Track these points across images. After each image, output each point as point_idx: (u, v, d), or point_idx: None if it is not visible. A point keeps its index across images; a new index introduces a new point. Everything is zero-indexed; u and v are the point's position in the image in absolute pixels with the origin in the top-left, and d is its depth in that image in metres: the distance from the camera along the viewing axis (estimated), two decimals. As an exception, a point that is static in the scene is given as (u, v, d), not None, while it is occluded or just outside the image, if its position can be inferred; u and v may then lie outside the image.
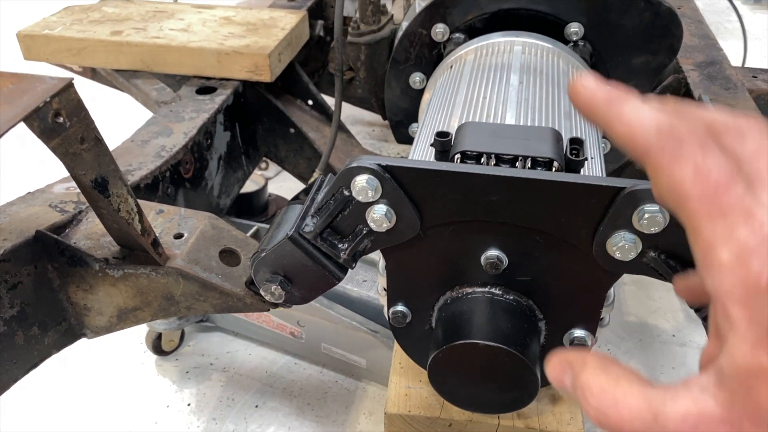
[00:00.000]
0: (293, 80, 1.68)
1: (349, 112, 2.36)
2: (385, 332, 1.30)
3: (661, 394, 0.33)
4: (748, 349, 0.28)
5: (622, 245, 0.68)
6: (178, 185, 1.25)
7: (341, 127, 1.71)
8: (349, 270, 0.82)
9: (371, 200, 0.73)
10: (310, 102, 1.71)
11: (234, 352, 1.53)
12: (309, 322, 1.37)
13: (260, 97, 1.56)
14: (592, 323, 0.82)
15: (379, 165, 0.71)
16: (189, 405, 1.41)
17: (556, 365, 0.42)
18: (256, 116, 1.58)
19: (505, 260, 0.77)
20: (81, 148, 0.66)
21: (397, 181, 0.72)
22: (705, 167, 0.31)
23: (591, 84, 0.38)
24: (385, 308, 0.89)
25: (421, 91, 1.38)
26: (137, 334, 1.53)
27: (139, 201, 1.03)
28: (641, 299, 1.69)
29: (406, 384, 1.00)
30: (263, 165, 2.15)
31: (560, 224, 0.72)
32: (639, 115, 0.35)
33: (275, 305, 0.89)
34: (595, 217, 0.69)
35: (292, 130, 1.62)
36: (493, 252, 0.77)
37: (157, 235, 0.93)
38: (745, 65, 1.90)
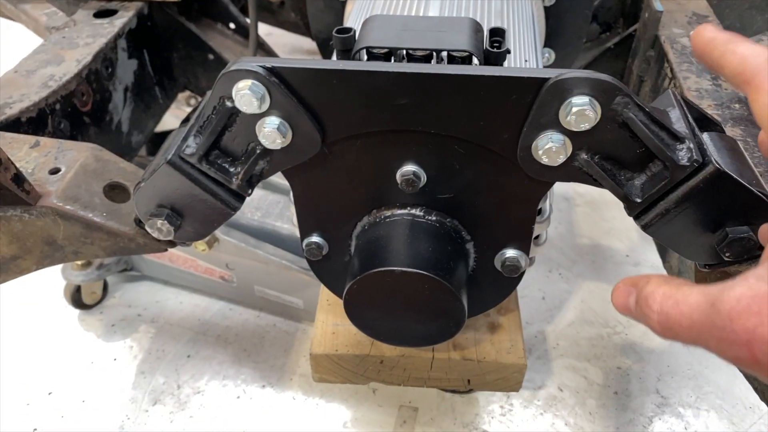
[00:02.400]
0: (211, 1, 1.52)
1: (286, 40, 2.20)
2: (320, 269, 1.21)
3: (719, 287, 0.35)
4: None
5: (549, 147, 0.59)
6: (75, 120, 1.11)
7: (270, 53, 1.57)
8: (253, 200, 0.71)
9: (259, 111, 0.62)
10: (232, 25, 1.55)
11: (163, 301, 1.43)
12: (238, 264, 1.27)
13: (171, 21, 1.40)
14: (525, 242, 0.73)
15: (263, 67, 0.60)
16: (115, 359, 1.31)
17: (621, 290, 0.45)
18: (168, 42, 1.42)
19: (423, 176, 0.67)
20: None
21: (288, 87, 0.61)
22: None
23: (713, 28, 0.49)
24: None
25: (344, 3, 1.25)
26: (56, 287, 1.41)
27: (11, 134, 0.90)
28: (594, 220, 1.62)
29: (333, 321, 0.91)
30: (192, 101, 1.99)
31: (480, 128, 0.62)
32: (752, 49, 0.45)
33: (170, 243, 0.79)
34: (518, 116, 0.59)
35: (211, 57, 1.47)
36: (408, 167, 0.67)
37: (31, 170, 0.81)
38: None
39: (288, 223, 1.25)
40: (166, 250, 0.82)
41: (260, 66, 0.60)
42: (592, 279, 1.44)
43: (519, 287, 0.87)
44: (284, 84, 0.61)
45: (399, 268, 0.66)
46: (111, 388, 1.26)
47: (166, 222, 0.70)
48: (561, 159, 0.59)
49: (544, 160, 0.60)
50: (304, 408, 1.21)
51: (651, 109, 0.58)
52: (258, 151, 0.66)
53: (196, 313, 1.39)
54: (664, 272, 1.00)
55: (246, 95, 0.60)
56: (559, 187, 1.70)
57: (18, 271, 0.85)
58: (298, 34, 2.00)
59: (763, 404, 1.18)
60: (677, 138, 0.58)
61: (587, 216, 1.64)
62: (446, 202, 0.70)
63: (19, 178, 0.73)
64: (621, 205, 0.63)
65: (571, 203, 1.67)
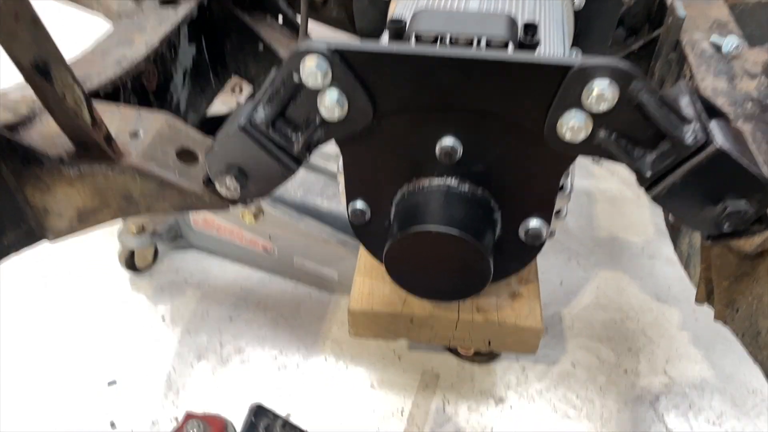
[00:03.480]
0: (262, -6, 1.63)
1: (328, 34, 2.31)
2: (355, 243, 1.31)
3: None
4: None
5: (572, 125, 0.68)
6: (142, 98, 1.22)
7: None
8: (296, 179, 0.81)
9: (321, 86, 0.72)
10: (281, 18, 1.66)
11: (208, 269, 1.54)
12: (280, 236, 1.38)
13: (226, 11, 1.52)
14: (547, 213, 0.82)
15: (328, 47, 0.70)
16: (163, 319, 1.42)
17: None
18: (223, 31, 1.53)
19: (460, 149, 0.77)
20: (16, 26, 0.64)
21: (348, 66, 0.71)
22: None
23: None
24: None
25: (388, 1, 1.35)
26: (112, 252, 1.54)
27: (96, 101, 1.02)
28: (613, 216, 1.70)
29: (370, 283, 1.01)
30: (237, 89, 2.11)
31: (512, 106, 0.71)
32: None
33: (233, 202, 0.89)
34: (546, 97, 0.68)
35: (261, 48, 1.58)
36: (447, 141, 0.76)
37: (114, 133, 0.92)
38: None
39: (327, 201, 1.35)
40: (228, 207, 0.93)
41: (326, 46, 0.70)
42: (609, 268, 1.52)
43: (539, 272, 0.96)
44: (345, 63, 0.71)
45: (435, 228, 0.76)
46: (159, 344, 1.37)
47: (234, 180, 0.81)
48: (582, 136, 0.69)
49: (568, 137, 0.69)
50: (334, 369, 1.32)
51: (663, 94, 0.67)
52: (317, 122, 0.76)
53: (238, 281, 1.50)
54: (676, 267, 1.06)
55: (312, 72, 0.70)
56: (581, 183, 1.79)
57: (96, 222, 0.96)
58: (339, 29, 2.11)
59: (765, 388, 1.25)
60: (684, 120, 0.67)
61: (606, 211, 1.72)
62: (478, 173, 0.80)
63: (109, 138, 0.84)
64: (639, 202, 0.72)
65: (591, 199, 1.75)
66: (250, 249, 1.47)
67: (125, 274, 1.52)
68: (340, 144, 0.82)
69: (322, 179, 1.39)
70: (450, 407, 1.24)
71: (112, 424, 1.22)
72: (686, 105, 0.71)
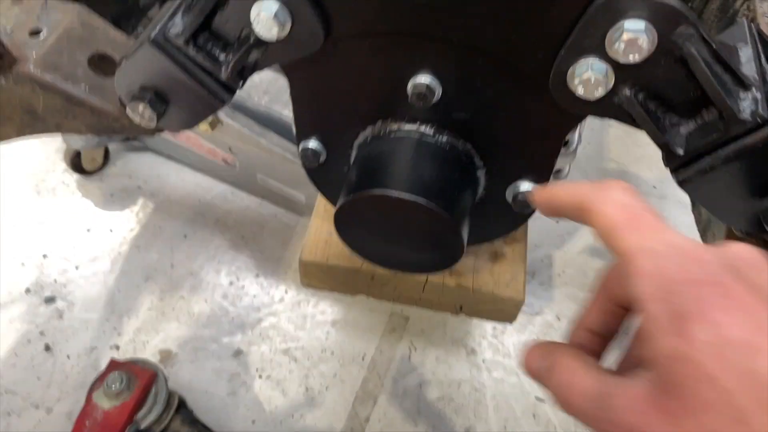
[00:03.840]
0: None
1: None
2: (326, 166, 1.15)
3: (614, 381, 0.36)
4: (669, 339, 0.32)
5: (587, 77, 0.50)
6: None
7: None
8: (261, 83, 0.64)
9: (255, -8, 0.53)
10: None
11: (165, 176, 1.38)
12: (241, 149, 1.21)
13: None
14: (544, 175, 0.65)
15: (263, -61, 0.50)
16: (111, 230, 1.29)
17: (534, 354, 0.44)
18: None
19: (438, 90, 0.59)
20: None
21: (292, -33, 0.52)
22: (627, 203, 0.39)
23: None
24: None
25: None
26: (58, 150, 1.37)
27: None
28: (627, 145, 1.52)
29: (327, 230, 0.86)
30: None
31: (512, 43, 0.53)
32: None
33: (158, 129, 0.72)
34: (558, 34, 0.50)
35: None
36: (422, 78, 0.58)
37: (10, 29, 0.73)
38: None
39: (297, 113, 1.17)
40: (154, 134, 0.76)
41: (260, -63, 0.50)
42: (612, 208, 1.36)
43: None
44: (287, -37, 0.51)
45: (397, 194, 0.59)
46: (104, 258, 1.24)
47: (148, 107, 0.63)
48: (599, 92, 0.51)
49: (580, 91, 0.51)
50: (293, 303, 1.20)
51: (719, 45, 0.48)
52: (251, 40, 0.57)
53: (197, 193, 1.35)
54: (690, 212, 0.91)
55: (240, -29, 0.51)
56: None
57: (-2, 137, 0.79)
58: None
59: None
60: (743, 84, 0.49)
61: (619, 139, 1.54)
62: (461, 122, 0.62)
63: (-10, 38, 0.65)
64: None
65: (604, 122, 1.56)
66: (209, 159, 1.30)
67: (72, 175, 1.37)
68: (286, 71, 0.64)
69: (293, 86, 1.20)
70: (416, 355, 1.13)
71: (47, 347, 1.12)
72: (747, 60, 0.52)
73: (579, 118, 0.59)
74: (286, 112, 1.17)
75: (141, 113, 0.64)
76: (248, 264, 1.25)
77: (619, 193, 0.40)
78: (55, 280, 1.20)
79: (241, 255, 1.26)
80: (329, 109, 0.66)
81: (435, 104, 0.60)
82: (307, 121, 0.69)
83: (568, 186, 0.44)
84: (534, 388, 1.10)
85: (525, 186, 0.66)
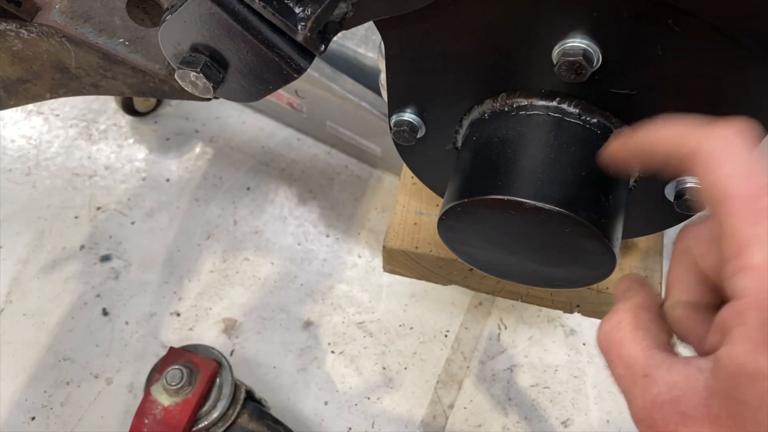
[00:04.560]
0: None
1: None
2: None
3: (662, 358, 0.33)
4: (750, 349, 0.28)
5: None
6: None
7: None
8: (322, 54, 0.48)
9: None
10: None
11: (224, 117, 1.25)
12: (309, 93, 1.05)
13: None
14: (727, 172, 0.48)
15: None
16: (168, 180, 1.17)
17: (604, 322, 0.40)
18: None
19: (598, 57, 0.42)
20: None
21: None
22: (753, 170, 0.31)
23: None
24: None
25: None
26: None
27: None
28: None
29: (416, 209, 0.72)
30: None
31: (732, 4, 0.35)
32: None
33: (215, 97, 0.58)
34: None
35: None
36: (576, 42, 0.41)
37: (29, -33, 0.58)
38: None
39: (373, 52, 1.00)
40: (210, 99, 0.62)
41: None
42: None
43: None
44: None
45: (532, 202, 0.44)
46: (161, 212, 1.14)
47: (202, 75, 0.48)
48: None
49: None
50: (368, 269, 1.07)
51: None
52: (341, -12, 0.42)
53: (260, 138, 1.22)
54: None
55: None
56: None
57: (30, 97, 0.67)
58: None
59: None
60: None
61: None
62: (621, 100, 0.45)
63: (3, -17, 0.51)
64: None
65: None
66: (274, 101, 1.16)
67: (124, 117, 1.25)
68: (382, 28, 0.47)
69: (368, 19, 1.02)
70: (506, 334, 1.00)
71: (104, 312, 1.04)
72: None
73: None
74: (361, 50, 1.00)
75: (193, 82, 0.50)
76: (317, 222, 1.12)
77: (746, 151, 0.32)
78: (111, 237, 1.11)
79: (309, 211, 1.13)
80: (435, 75, 0.50)
81: (590, 76, 0.43)
82: (404, 89, 0.53)
83: (668, 126, 0.35)
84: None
85: (695, 182, 0.49)
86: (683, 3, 0.36)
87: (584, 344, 0.99)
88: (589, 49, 0.41)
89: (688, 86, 0.42)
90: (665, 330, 0.37)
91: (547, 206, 0.43)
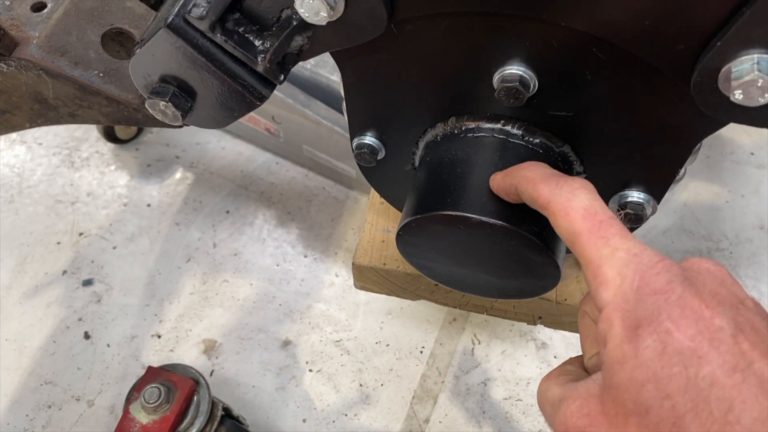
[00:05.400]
0: None
1: None
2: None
3: (575, 385, 0.38)
4: (618, 341, 0.33)
5: (750, 79, 0.36)
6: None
7: None
8: (281, 83, 0.51)
9: (297, -36, 0.40)
10: None
11: (204, 144, 1.28)
12: (286, 119, 1.09)
13: None
14: (660, 186, 0.52)
15: None
16: (149, 205, 1.20)
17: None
18: None
19: (534, 83, 0.46)
20: None
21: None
22: (592, 210, 0.39)
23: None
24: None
25: None
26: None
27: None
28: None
29: (384, 227, 0.75)
30: None
31: (642, 30, 0.39)
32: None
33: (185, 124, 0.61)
34: (712, 21, 0.36)
35: None
36: (514, 69, 0.45)
37: (9, 3, 0.62)
38: None
39: (346, 77, 1.03)
40: (182, 126, 0.65)
41: None
42: (703, 179, 1.20)
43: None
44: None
45: (477, 217, 0.47)
46: (142, 236, 1.16)
47: (170, 104, 0.52)
48: (764, 100, 0.37)
49: (737, 96, 0.37)
50: (345, 289, 1.10)
51: None
52: (294, 23, 0.45)
53: (239, 163, 1.25)
54: None
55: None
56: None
57: (9, 126, 0.70)
58: None
59: None
60: None
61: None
62: (559, 121, 0.49)
63: (-18, 20, 0.54)
64: None
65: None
66: (252, 127, 1.19)
67: (105, 144, 1.28)
68: (337, 59, 0.51)
69: (341, 47, 1.06)
70: (480, 349, 1.03)
71: (86, 335, 1.06)
72: None
73: (720, 124, 0.45)
74: (334, 77, 1.04)
75: (163, 111, 0.53)
76: (295, 243, 1.15)
77: (583, 197, 0.40)
78: (92, 261, 1.13)
79: (288, 233, 1.16)
80: (390, 102, 0.54)
81: (528, 99, 0.47)
82: (362, 115, 0.56)
83: (531, 172, 0.44)
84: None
85: (634, 196, 0.53)
86: (602, 33, 0.40)
87: (555, 357, 1.01)
88: (526, 75, 0.45)
89: (616, 107, 0.46)
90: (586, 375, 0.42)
91: (492, 221, 0.47)
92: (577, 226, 0.38)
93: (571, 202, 0.39)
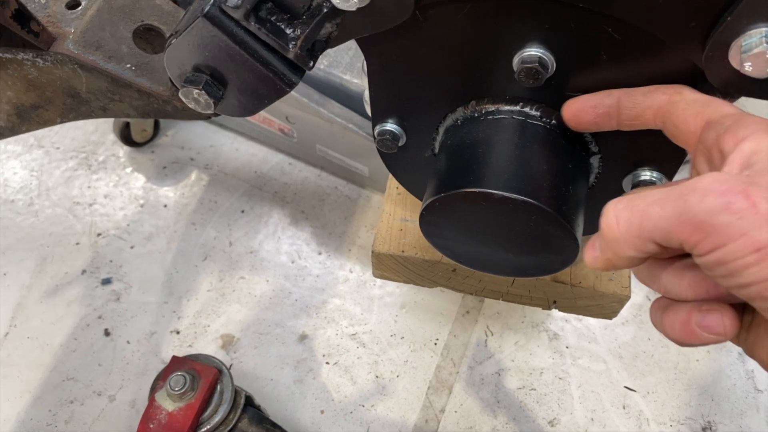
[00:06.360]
0: None
1: None
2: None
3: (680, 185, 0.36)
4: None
5: (759, 52, 0.38)
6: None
7: None
8: (311, 69, 0.54)
9: (330, -47, 0.43)
10: None
11: (218, 146, 1.31)
12: (299, 118, 1.12)
13: None
14: (672, 164, 0.54)
15: None
16: (165, 206, 1.23)
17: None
18: None
19: (552, 64, 0.48)
20: None
21: None
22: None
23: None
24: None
25: None
26: (107, 120, 1.31)
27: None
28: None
29: (401, 216, 0.77)
30: None
31: (655, 8, 0.41)
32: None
33: (215, 113, 0.64)
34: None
35: None
36: (533, 51, 0.48)
37: (44, 1, 0.65)
38: None
39: (358, 78, 1.06)
40: (210, 117, 0.68)
41: None
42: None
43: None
44: None
45: (500, 192, 0.49)
46: (159, 236, 1.19)
47: (203, 92, 0.54)
48: (778, 69, 0.39)
49: (747, 68, 0.40)
50: (359, 283, 1.12)
51: None
52: (324, 10, 0.48)
53: (252, 164, 1.27)
54: None
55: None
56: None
57: (41, 122, 0.72)
58: None
59: None
60: None
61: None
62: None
63: (22, 17, 0.57)
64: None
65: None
66: (265, 128, 1.22)
67: (122, 147, 1.30)
68: (364, 44, 0.54)
69: (351, 47, 1.09)
70: (493, 340, 1.05)
71: (106, 332, 1.08)
72: None
73: (733, 100, 0.47)
74: (347, 77, 1.07)
75: (196, 99, 0.55)
76: (309, 241, 1.17)
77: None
78: (111, 261, 1.15)
79: (302, 231, 1.19)
80: (412, 88, 0.56)
81: (546, 80, 0.49)
82: (385, 102, 0.59)
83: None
84: (623, 377, 1.01)
85: (647, 174, 0.56)
86: (618, 12, 0.43)
87: (567, 347, 1.03)
88: (544, 57, 0.48)
89: (633, 85, 0.48)
90: None
91: (513, 196, 0.49)
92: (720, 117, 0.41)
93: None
